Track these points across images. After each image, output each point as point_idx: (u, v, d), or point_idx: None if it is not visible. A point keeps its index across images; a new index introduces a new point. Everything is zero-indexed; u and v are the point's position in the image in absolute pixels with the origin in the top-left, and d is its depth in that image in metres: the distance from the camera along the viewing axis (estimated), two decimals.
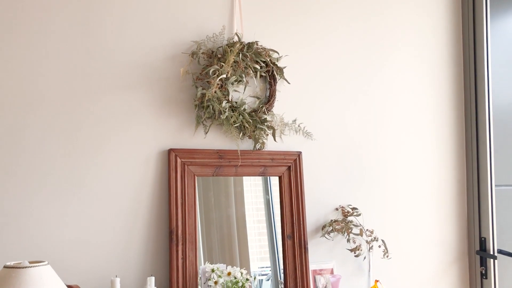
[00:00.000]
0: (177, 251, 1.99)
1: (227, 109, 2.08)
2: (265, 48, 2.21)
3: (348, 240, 2.27)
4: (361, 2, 2.52)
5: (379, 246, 2.34)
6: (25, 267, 1.40)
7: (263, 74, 2.22)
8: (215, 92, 2.04)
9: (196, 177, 2.08)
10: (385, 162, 2.53)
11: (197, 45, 2.10)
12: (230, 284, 1.95)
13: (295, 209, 2.24)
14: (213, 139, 2.15)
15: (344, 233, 2.27)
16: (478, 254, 2.62)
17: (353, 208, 2.36)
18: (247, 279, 1.97)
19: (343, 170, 2.42)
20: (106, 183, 1.95)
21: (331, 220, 2.31)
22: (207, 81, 2.06)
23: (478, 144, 2.65)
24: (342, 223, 2.29)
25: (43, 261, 1.47)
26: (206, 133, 2.12)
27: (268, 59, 2.21)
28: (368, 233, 2.33)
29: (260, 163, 2.20)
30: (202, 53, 2.11)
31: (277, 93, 2.26)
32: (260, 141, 2.18)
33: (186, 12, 2.14)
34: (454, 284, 2.64)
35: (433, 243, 2.61)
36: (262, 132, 2.17)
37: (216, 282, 1.95)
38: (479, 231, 2.63)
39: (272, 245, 2.22)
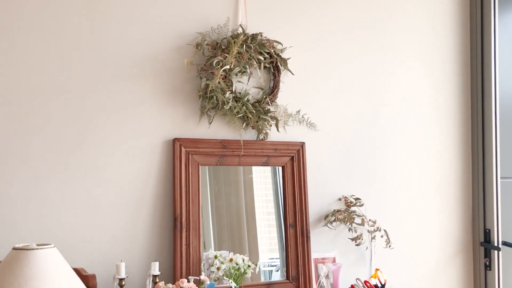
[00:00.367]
0: (181, 237, 2.04)
1: (231, 99, 2.12)
2: (269, 40, 2.24)
3: (350, 230, 2.30)
4: None
5: (382, 236, 2.37)
6: (33, 249, 1.47)
7: (267, 65, 2.25)
8: (218, 83, 2.08)
9: (200, 166, 2.13)
10: (390, 153, 2.55)
11: (202, 37, 2.14)
12: (232, 270, 2.00)
13: (297, 199, 2.27)
14: (217, 129, 2.19)
15: (347, 222, 2.30)
16: (483, 245, 2.63)
17: (356, 199, 2.39)
18: (248, 266, 2.01)
19: (347, 161, 2.45)
20: (113, 171, 2.02)
21: (334, 210, 2.35)
22: (211, 72, 2.10)
23: (484, 136, 2.65)
24: (345, 213, 2.32)
25: (50, 244, 1.54)
26: (210, 123, 2.16)
27: (272, 50, 2.25)
28: (370, 223, 2.36)
29: (263, 153, 2.24)
30: (207, 44, 2.15)
31: (281, 84, 2.29)
32: (264, 131, 2.21)
33: (191, 4, 2.18)
34: (458, 275, 2.65)
35: (437, 235, 2.63)
36: (266, 123, 2.21)
37: (218, 268, 2.00)
38: (484, 223, 2.64)
39: (280, 237, 2.27)
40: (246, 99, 2.17)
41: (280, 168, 2.28)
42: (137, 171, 2.05)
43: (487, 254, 2.61)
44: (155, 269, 1.95)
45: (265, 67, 2.26)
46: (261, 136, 2.22)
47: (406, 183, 2.58)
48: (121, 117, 2.04)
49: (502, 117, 2.64)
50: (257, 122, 2.19)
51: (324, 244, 2.35)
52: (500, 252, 2.57)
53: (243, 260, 2.01)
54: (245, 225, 2.21)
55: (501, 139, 2.62)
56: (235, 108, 2.13)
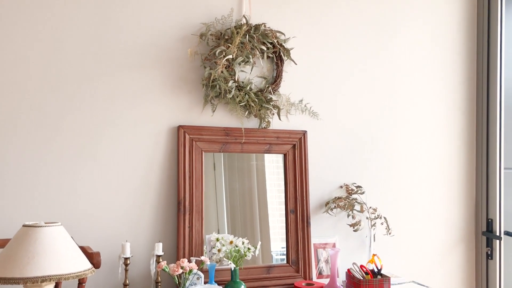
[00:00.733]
0: (184, 220, 2.14)
1: (233, 88, 2.18)
2: (272, 30, 2.30)
3: (349, 216, 2.36)
4: None
5: (382, 224, 2.42)
6: (41, 226, 1.58)
7: (270, 55, 2.31)
8: (221, 72, 2.15)
9: (203, 153, 2.22)
10: (392, 142, 2.58)
11: (206, 27, 2.21)
12: (233, 253, 2.08)
13: (298, 185, 2.34)
14: (220, 117, 2.26)
15: (347, 209, 2.35)
16: (485, 235, 2.65)
17: (358, 186, 2.44)
18: (248, 249, 2.09)
19: (349, 149, 2.50)
20: (120, 156, 2.11)
21: (335, 197, 2.40)
22: (214, 62, 2.17)
23: (488, 127, 2.66)
24: (346, 200, 2.37)
25: (57, 222, 1.65)
26: (214, 111, 2.24)
27: (275, 41, 2.30)
28: (371, 210, 2.41)
29: (266, 141, 2.31)
30: (211, 34, 2.22)
31: (284, 73, 2.34)
32: (266, 120, 2.28)
33: None
34: (460, 263, 2.68)
35: (440, 223, 2.66)
36: (268, 111, 2.27)
37: (219, 250, 2.08)
38: (486, 213, 2.66)
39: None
40: (248, 88, 2.24)
41: (282, 155, 2.35)
42: (143, 156, 2.15)
43: (489, 244, 2.63)
44: (159, 249, 2.04)
45: (268, 57, 2.31)
46: (263, 125, 2.29)
47: (408, 172, 2.61)
48: (128, 105, 2.13)
49: (507, 108, 2.64)
50: (259, 110, 2.26)
51: (325, 230, 2.42)
52: (502, 242, 2.59)
53: (243, 243, 2.09)
54: (257, 214, 2.28)
55: (505, 129, 2.63)
56: (237, 96, 2.20)
